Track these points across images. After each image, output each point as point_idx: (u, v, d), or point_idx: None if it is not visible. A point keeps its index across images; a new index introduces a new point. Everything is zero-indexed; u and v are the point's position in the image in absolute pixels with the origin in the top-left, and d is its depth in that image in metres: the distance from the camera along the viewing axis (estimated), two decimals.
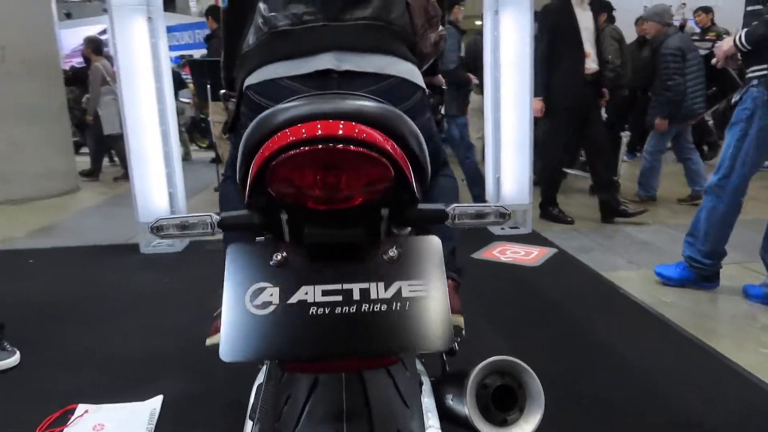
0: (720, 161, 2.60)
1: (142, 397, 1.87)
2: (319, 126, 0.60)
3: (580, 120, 3.99)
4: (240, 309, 0.62)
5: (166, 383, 1.93)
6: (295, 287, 0.64)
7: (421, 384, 1.15)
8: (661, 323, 2.40)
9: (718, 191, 2.58)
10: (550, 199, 4.26)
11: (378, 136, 0.62)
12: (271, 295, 0.63)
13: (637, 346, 2.17)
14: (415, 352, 0.65)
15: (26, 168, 5.23)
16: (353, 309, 0.63)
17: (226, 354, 0.61)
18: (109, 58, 6.28)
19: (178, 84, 5.79)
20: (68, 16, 11.61)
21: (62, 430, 1.71)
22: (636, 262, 3.24)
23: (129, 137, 3.43)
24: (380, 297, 0.64)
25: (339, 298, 0.63)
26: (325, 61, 1.15)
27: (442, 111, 2.36)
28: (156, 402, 1.84)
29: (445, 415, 1.06)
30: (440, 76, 1.97)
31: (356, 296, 0.64)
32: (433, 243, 0.68)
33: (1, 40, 5.05)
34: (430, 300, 0.65)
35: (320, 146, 0.58)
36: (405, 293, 0.64)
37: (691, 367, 2.03)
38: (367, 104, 0.83)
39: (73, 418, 1.77)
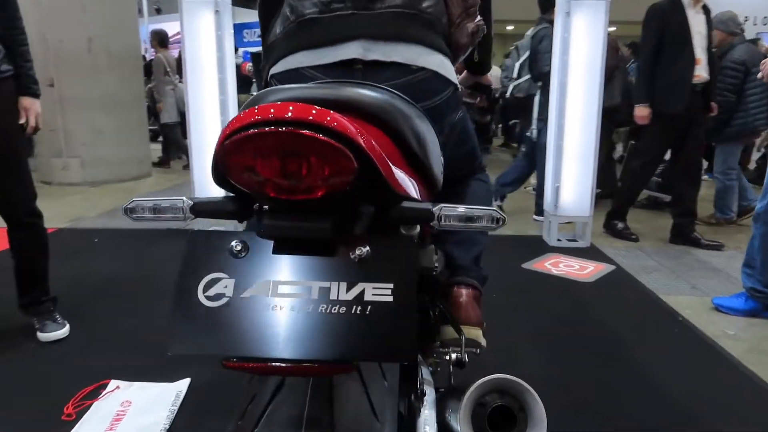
0: (765, 187, 2.46)
1: (171, 378, 1.90)
2: (290, 108, 0.56)
3: (681, 132, 3.63)
4: (191, 299, 0.59)
5: (195, 368, 1.96)
6: (252, 280, 0.60)
7: (423, 395, 1.09)
8: (720, 357, 2.20)
9: (765, 218, 2.45)
10: (620, 213, 4.00)
11: (351, 127, 0.57)
12: (225, 286, 0.60)
13: (689, 380, 2.00)
14: (368, 362, 0.59)
15: (104, 153, 5.54)
16: (309, 309, 0.59)
17: (170, 346, 0.58)
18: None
19: (242, 79, 5.96)
20: (158, 11, 12.27)
21: (93, 402, 1.77)
22: (701, 288, 2.99)
23: (191, 127, 3.54)
24: (340, 298, 0.59)
25: (296, 295, 0.59)
26: (351, 50, 1.11)
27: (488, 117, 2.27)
28: (183, 384, 1.87)
29: (444, 431, 0.99)
30: (488, 75, 1.89)
31: (314, 295, 0.59)
32: (408, 244, 0.62)
33: (87, 32, 5.38)
34: (395, 306, 0.59)
35: (267, 129, 0.53)
36: (368, 296, 0.59)
37: (748, 407, 1.84)
38: (366, 94, 0.78)
39: (104, 392, 1.83)
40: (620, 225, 3.97)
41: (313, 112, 0.56)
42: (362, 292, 0.59)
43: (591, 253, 3.55)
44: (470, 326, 1.28)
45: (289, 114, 0.55)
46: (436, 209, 0.68)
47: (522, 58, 4.79)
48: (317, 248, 0.61)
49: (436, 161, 0.93)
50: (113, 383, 1.88)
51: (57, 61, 5.33)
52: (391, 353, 0.58)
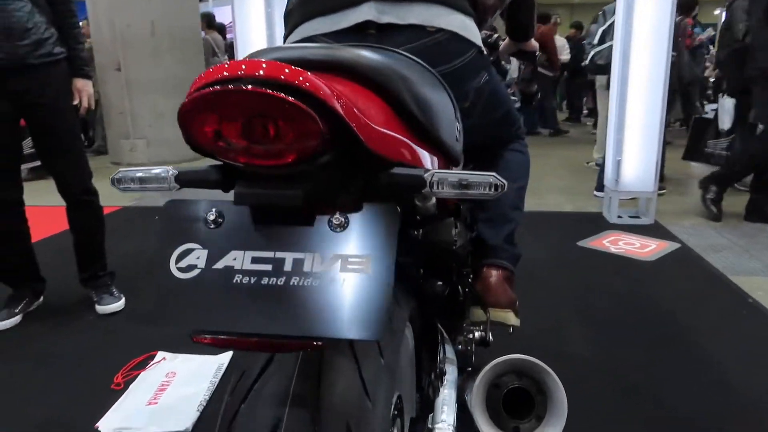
0: None
1: (215, 352, 1.95)
2: (263, 65, 0.52)
3: None
4: (164, 271, 0.57)
5: None
6: (225, 251, 0.57)
7: (443, 374, 1.04)
8: None
9: None
10: (724, 183, 3.59)
11: (324, 89, 0.52)
12: (198, 257, 0.57)
13: (756, 367, 1.84)
14: (338, 339, 0.55)
15: (166, 134, 5.74)
16: (281, 281, 0.55)
17: (152, 318, 0.56)
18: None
19: None
20: None
21: (140, 373, 1.84)
22: None
23: None
24: (314, 270, 0.55)
25: (268, 267, 0.56)
26: (364, 13, 1.05)
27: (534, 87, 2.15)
28: (225, 357, 1.91)
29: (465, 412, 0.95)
30: (533, 41, 1.78)
31: (288, 267, 0.56)
32: (389, 213, 0.58)
33: (150, 15, 5.55)
34: (371, 280, 0.55)
35: (230, 87, 0.49)
36: (343, 269, 0.55)
37: None
38: (363, 55, 0.73)
39: (151, 363, 1.90)
40: (712, 194, 3.59)
41: (286, 71, 0.52)
42: (338, 265, 0.55)
43: (655, 230, 3.35)
44: (499, 308, 1.22)
45: (260, 72, 0.51)
46: (428, 175, 0.63)
47: (607, 23, 4.56)
48: (292, 217, 0.58)
49: (448, 129, 0.87)
50: (160, 354, 1.94)
51: (123, 46, 5.55)
52: (362, 330, 0.54)
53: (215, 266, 0.57)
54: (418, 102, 0.75)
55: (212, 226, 0.58)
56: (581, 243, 3.12)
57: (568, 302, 2.36)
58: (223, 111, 0.52)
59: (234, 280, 0.56)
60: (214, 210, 0.59)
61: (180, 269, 0.57)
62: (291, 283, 0.55)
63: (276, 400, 0.63)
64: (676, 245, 3.06)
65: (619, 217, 3.53)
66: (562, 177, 5.05)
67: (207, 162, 0.66)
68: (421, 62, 0.92)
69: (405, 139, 0.71)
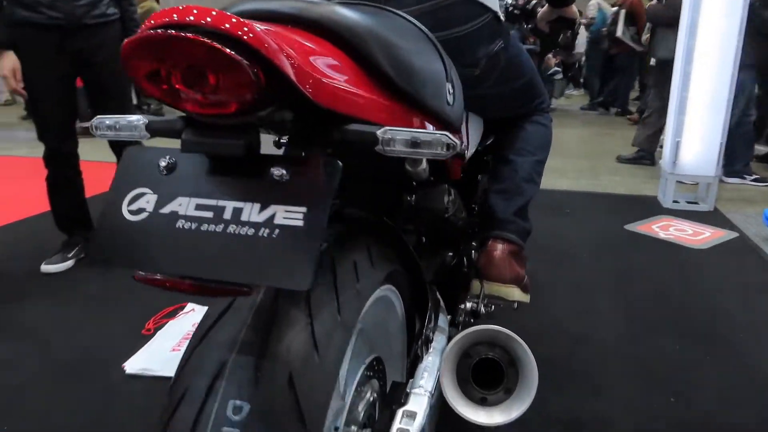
0: None
1: None
2: (212, 13, 0.52)
3: None
4: (115, 211, 0.59)
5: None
6: (172, 197, 0.59)
7: (429, 341, 1.04)
8: None
9: None
10: None
11: (268, 42, 0.52)
12: (148, 202, 0.59)
13: None
14: (264, 285, 0.56)
15: None
16: (219, 228, 0.56)
17: (92, 254, 0.59)
18: None
19: None
20: None
21: (169, 321, 1.94)
22: None
23: None
24: (251, 219, 0.56)
25: (210, 214, 0.57)
26: None
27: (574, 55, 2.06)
28: None
29: None
30: (574, 7, 1.70)
31: (227, 215, 0.57)
32: (328, 168, 0.57)
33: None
34: (303, 232, 0.55)
35: (163, 32, 0.50)
36: (278, 219, 0.56)
37: None
38: (337, 12, 0.71)
39: (181, 313, 2.00)
40: None
41: (232, 21, 0.52)
42: (273, 215, 0.56)
43: (712, 217, 3.16)
44: (501, 283, 1.19)
45: (205, 21, 0.51)
46: (380, 132, 0.62)
47: None
48: (237, 167, 0.59)
49: (434, 92, 0.85)
50: (190, 306, 2.04)
51: None
52: (289, 279, 0.54)
53: (162, 211, 0.58)
54: (395, 63, 0.74)
55: (164, 173, 0.60)
56: (628, 227, 2.99)
57: (603, 286, 2.28)
58: (164, 56, 0.52)
59: (177, 225, 0.57)
60: (168, 157, 0.61)
61: (131, 212, 0.59)
62: (228, 231, 0.56)
63: (225, 345, 0.65)
64: (734, 234, 2.88)
65: (676, 202, 3.35)
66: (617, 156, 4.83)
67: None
68: (416, 23, 0.90)
69: (371, 97, 0.70)
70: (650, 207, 3.35)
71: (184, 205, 0.58)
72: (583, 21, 8.96)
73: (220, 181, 0.59)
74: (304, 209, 0.56)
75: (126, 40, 0.52)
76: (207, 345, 0.66)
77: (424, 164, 0.94)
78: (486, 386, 0.82)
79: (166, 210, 0.58)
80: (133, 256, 0.58)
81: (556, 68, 7.37)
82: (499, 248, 1.21)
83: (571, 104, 8.52)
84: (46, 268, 2.36)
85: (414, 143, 0.61)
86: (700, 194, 3.38)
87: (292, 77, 0.54)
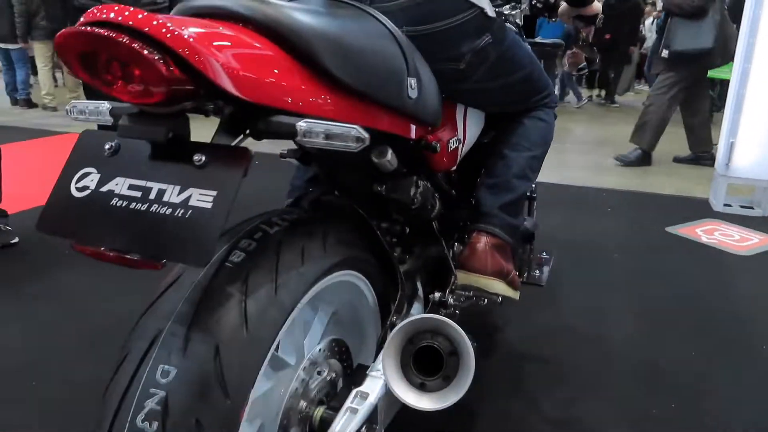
0: None
1: None
2: (127, 12, 0.58)
3: None
4: (65, 187, 0.67)
5: None
6: (112, 177, 0.65)
7: (393, 326, 1.08)
8: None
9: None
10: None
11: (186, 41, 0.57)
12: (92, 180, 0.66)
13: None
14: (168, 261, 0.61)
15: None
16: (143, 207, 0.63)
17: (38, 225, 0.67)
18: None
19: None
20: None
21: None
22: None
23: None
24: (171, 200, 0.62)
25: (138, 194, 0.64)
26: None
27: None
28: None
29: None
30: (597, 3, 1.66)
31: (152, 195, 0.63)
32: (238, 156, 0.63)
33: None
34: (209, 213, 0.60)
35: (84, 29, 0.56)
36: (192, 201, 0.61)
37: None
38: (286, 13, 0.75)
39: None
40: None
41: (153, 23, 0.57)
42: (189, 197, 0.62)
43: (766, 224, 2.98)
44: (483, 275, 1.21)
45: (121, 18, 0.57)
46: (299, 124, 0.66)
47: None
48: (168, 153, 0.65)
49: (389, 86, 0.87)
50: None
51: None
52: (185, 256, 0.60)
53: (101, 189, 0.65)
54: (340, 60, 0.77)
55: (109, 155, 0.67)
56: (670, 229, 2.88)
57: (626, 287, 2.22)
58: (91, 50, 0.59)
59: (111, 203, 0.64)
60: (114, 141, 0.68)
61: (77, 189, 0.67)
62: (150, 210, 0.62)
63: (164, 315, 0.71)
64: None
65: (727, 205, 3.18)
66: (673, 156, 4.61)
67: None
68: (383, 20, 0.92)
69: (310, 92, 0.74)
70: (699, 210, 3.20)
71: (120, 185, 0.65)
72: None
73: (153, 164, 0.65)
74: (214, 193, 0.61)
75: (58, 35, 0.59)
76: (150, 314, 0.73)
77: (389, 155, 0.97)
78: (427, 373, 0.85)
79: (105, 189, 0.65)
80: (75, 228, 0.65)
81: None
82: (483, 240, 1.22)
83: (638, 99, 8.15)
84: None
85: (327, 135, 0.65)
86: (755, 198, 3.19)
87: (207, 72, 0.59)
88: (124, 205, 0.64)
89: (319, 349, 0.97)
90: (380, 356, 0.99)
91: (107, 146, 0.67)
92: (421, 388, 0.85)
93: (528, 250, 1.94)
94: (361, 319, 1.11)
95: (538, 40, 1.89)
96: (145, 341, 0.70)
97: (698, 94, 4.11)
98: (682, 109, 4.20)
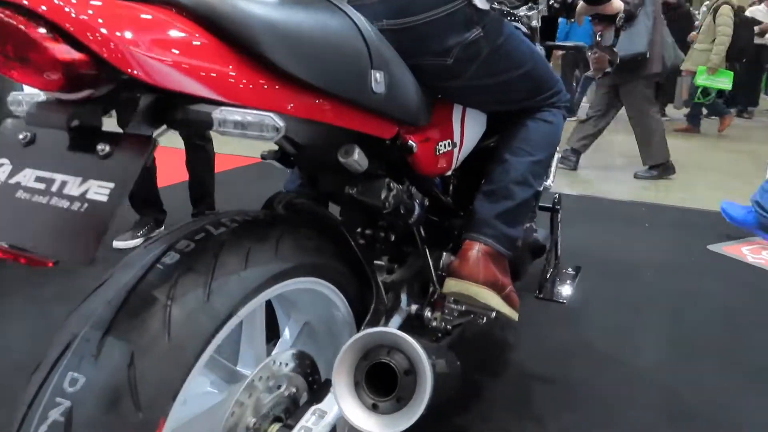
0: None
1: None
2: None
3: None
4: None
5: None
6: (21, 168, 0.61)
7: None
8: None
9: None
10: None
11: (87, 24, 0.53)
12: (3, 171, 0.62)
13: None
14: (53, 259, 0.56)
15: None
16: (44, 200, 0.58)
17: None
18: None
19: None
20: None
21: None
22: None
23: None
24: (70, 193, 0.57)
25: (42, 186, 0.59)
26: None
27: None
28: None
29: None
30: (617, 1, 1.56)
31: (54, 188, 0.58)
32: (139, 145, 0.57)
33: None
34: (102, 207, 0.55)
35: None
36: (90, 194, 0.56)
37: None
38: (230, 3, 0.70)
39: None
40: None
41: (53, 6, 0.54)
42: (88, 189, 0.57)
43: None
44: (476, 283, 1.11)
45: (26, 2, 0.54)
46: (215, 112, 0.61)
47: None
48: (77, 142, 0.60)
49: (348, 79, 0.81)
50: None
51: None
52: (68, 253, 0.56)
53: (10, 180, 0.61)
54: (288, 48, 0.71)
55: (24, 145, 0.63)
56: (712, 247, 2.68)
57: (656, 307, 2.06)
58: None
59: (17, 195, 0.60)
60: (28, 130, 0.64)
61: None
62: (50, 203, 0.58)
63: (83, 319, 0.67)
64: None
65: None
66: (731, 171, 4.34)
67: None
68: (349, 12, 0.86)
69: (249, 83, 0.68)
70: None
71: (27, 177, 0.61)
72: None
73: (63, 155, 0.61)
74: (112, 185, 0.56)
75: None
76: (72, 317, 0.69)
77: (356, 155, 0.90)
78: (380, 392, 0.77)
79: (12, 180, 0.61)
80: None
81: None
82: (475, 248, 1.13)
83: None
84: (117, 243, 2.59)
85: (242, 124, 0.59)
86: None
87: (102, 53, 0.54)
88: (27, 197, 0.59)
89: (280, 362, 0.91)
90: None
91: (21, 136, 0.63)
92: (374, 409, 0.77)
93: (549, 264, 1.82)
94: (336, 331, 1.04)
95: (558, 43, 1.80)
96: (60, 346, 0.65)
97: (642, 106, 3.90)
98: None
